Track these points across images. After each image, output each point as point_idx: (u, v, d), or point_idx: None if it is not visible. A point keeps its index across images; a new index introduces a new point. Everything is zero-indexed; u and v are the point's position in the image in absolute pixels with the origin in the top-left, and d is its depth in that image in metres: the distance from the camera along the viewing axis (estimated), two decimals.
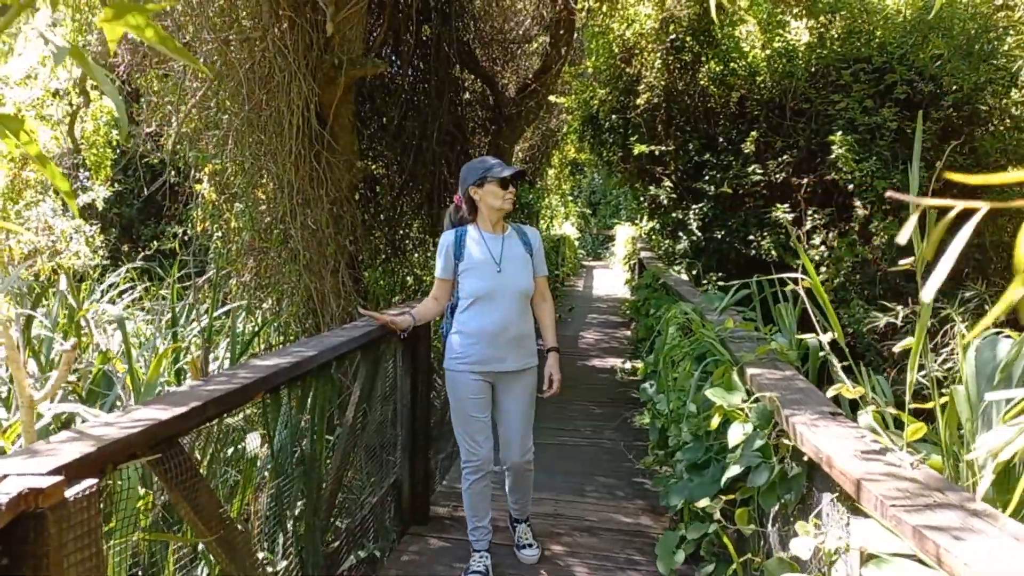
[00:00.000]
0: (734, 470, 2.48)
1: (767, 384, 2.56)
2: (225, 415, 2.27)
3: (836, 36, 9.24)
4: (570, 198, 22.77)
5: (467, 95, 9.47)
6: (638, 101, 9.57)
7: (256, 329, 8.11)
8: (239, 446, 2.55)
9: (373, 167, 8.76)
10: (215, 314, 7.67)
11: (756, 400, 2.76)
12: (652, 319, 6.24)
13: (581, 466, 5.62)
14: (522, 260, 3.62)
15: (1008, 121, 8.40)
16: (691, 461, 3.10)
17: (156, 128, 8.23)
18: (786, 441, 2.38)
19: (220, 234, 8.00)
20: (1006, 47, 8.43)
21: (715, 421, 2.68)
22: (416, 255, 9.24)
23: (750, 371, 2.75)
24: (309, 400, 2.98)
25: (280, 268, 7.21)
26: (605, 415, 7.04)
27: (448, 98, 8.00)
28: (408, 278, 9.57)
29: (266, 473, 2.85)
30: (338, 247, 6.93)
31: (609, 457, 5.86)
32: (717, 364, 3.09)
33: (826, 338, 2.48)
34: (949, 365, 5.88)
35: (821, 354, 2.79)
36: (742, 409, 2.59)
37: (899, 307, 6.24)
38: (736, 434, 2.48)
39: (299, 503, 2.87)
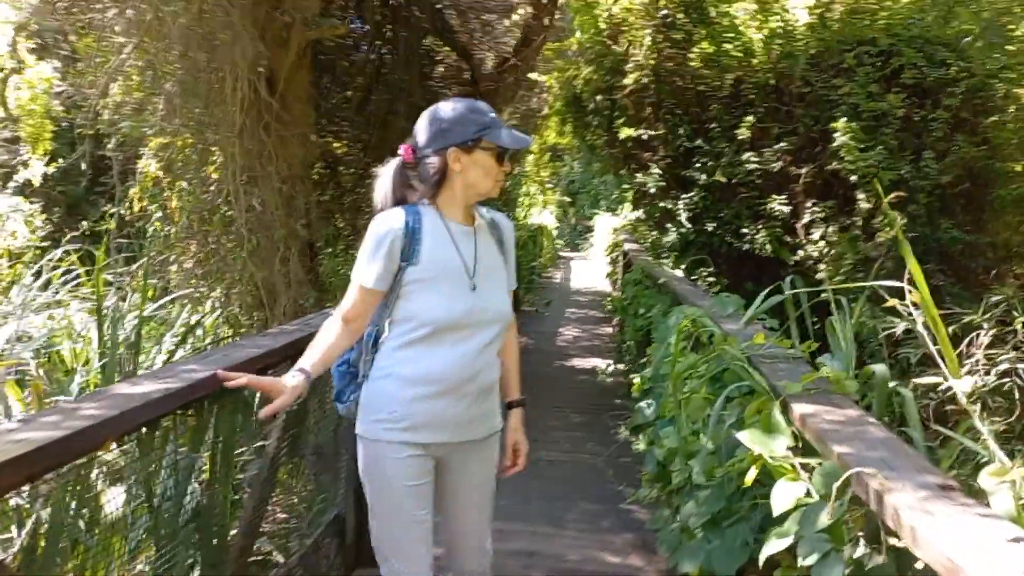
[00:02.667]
0: (778, 545, 1.79)
1: (828, 430, 1.86)
2: (39, 480, 1.53)
3: (838, 16, 8.59)
4: (549, 186, 22.05)
5: (441, 68, 8.71)
6: (625, 81, 8.85)
7: (190, 324, 7.24)
8: (84, 510, 1.83)
9: (335, 144, 7.98)
10: (147, 307, 6.88)
11: (804, 447, 2.06)
12: (642, 320, 5.55)
13: (560, 489, 4.92)
14: (497, 268, 2.43)
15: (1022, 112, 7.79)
16: (709, 514, 2.40)
17: (94, 95, 7.38)
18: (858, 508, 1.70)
19: (159, 215, 7.19)
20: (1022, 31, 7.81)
21: (750, 476, 1.98)
22: None
23: (798, 408, 2.05)
24: (210, 432, 2.25)
25: (224, 255, 6.42)
26: (586, 425, 6.36)
27: (419, 70, 7.23)
28: None
29: (144, 535, 2.12)
30: (289, 232, 6.16)
31: (592, 476, 5.19)
32: (745, 393, 2.38)
33: (963, 385, 1.78)
34: (975, 379, 5.25)
35: (892, 385, 2.09)
36: (790, 462, 1.89)
37: (892, 303, 5.62)
38: (784, 497, 1.79)
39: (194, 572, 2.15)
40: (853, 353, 2.20)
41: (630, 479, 4.85)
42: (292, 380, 2.21)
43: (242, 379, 2.13)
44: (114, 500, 1.86)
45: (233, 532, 2.54)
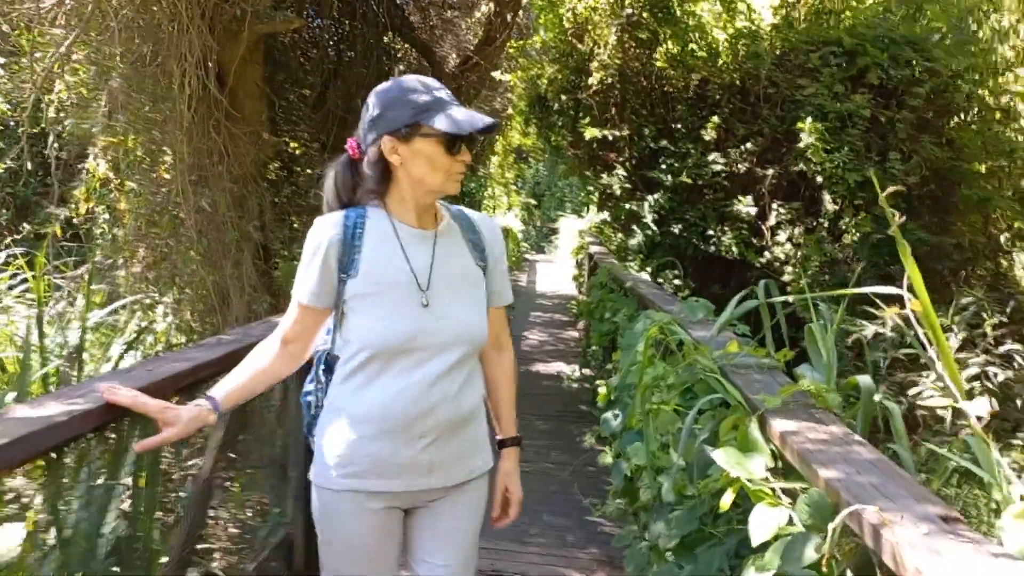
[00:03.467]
0: None
1: (812, 450, 1.69)
2: None
3: (802, 17, 8.55)
4: (514, 188, 21.86)
5: (401, 66, 8.48)
6: (590, 81, 8.71)
7: (139, 331, 6.94)
8: None
9: (292, 144, 7.72)
10: (94, 313, 6.57)
11: (785, 467, 1.91)
12: (608, 324, 5.39)
13: (524, 501, 4.70)
14: (469, 280, 1.99)
15: (986, 112, 7.78)
16: (679, 536, 2.23)
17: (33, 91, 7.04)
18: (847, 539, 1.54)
19: (107, 217, 6.87)
20: (986, 32, 7.81)
21: (726, 500, 1.80)
22: None
23: (777, 424, 1.89)
24: (133, 455, 2.03)
25: (174, 258, 6.15)
26: (551, 432, 6.18)
27: (378, 67, 7.01)
28: None
29: None
30: (241, 234, 5.90)
31: (556, 488, 5.01)
32: (718, 406, 2.22)
33: (977, 408, 1.60)
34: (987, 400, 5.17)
35: (877, 398, 1.93)
36: (770, 486, 1.73)
37: (888, 312, 5.53)
38: (764, 526, 1.62)
39: None
40: (835, 363, 2.04)
41: (596, 491, 4.69)
42: (190, 411, 1.82)
43: (126, 398, 1.79)
44: (8, 538, 1.63)
45: (164, 561, 2.32)
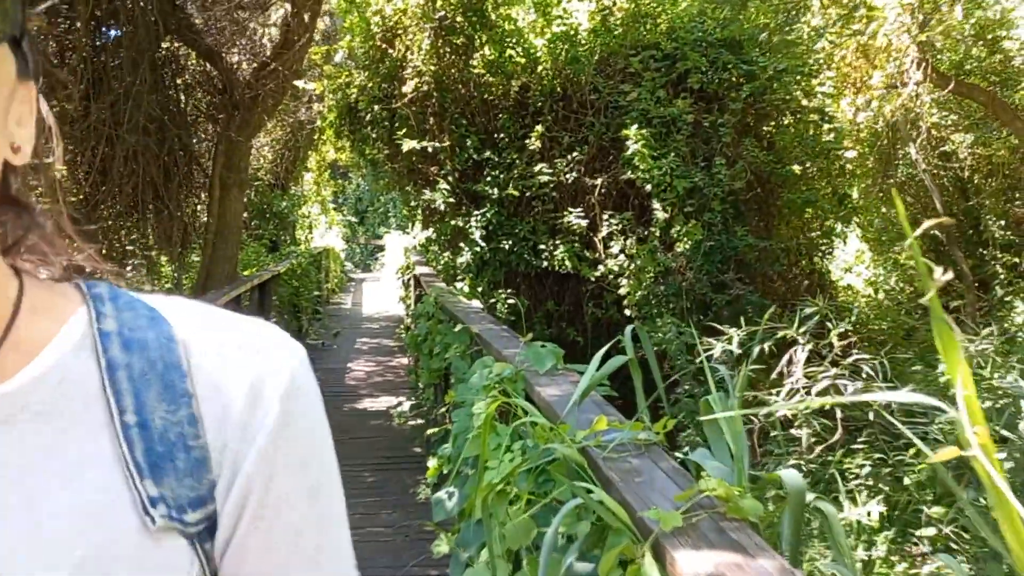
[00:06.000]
0: None
1: None
2: None
3: (620, 20, 8.30)
4: (332, 206, 20.75)
5: (187, 76, 7.44)
6: (404, 89, 8.05)
7: None
8: None
9: (57, 167, 6.52)
10: None
11: None
12: (438, 360, 4.72)
13: None
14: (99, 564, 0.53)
15: (803, 114, 7.82)
16: None
17: None
18: None
19: None
20: (803, 32, 7.85)
21: None
22: (119, 281, 7.05)
23: (684, 562, 1.28)
24: None
25: None
26: (381, 485, 5.43)
27: (152, 75, 5.98)
28: None
29: None
30: None
31: (389, 559, 4.27)
32: (588, 522, 1.59)
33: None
34: (798, 399, 4.89)
35: (811, 499, 1.38)
36: None
37: (734, 330, 5.23)
38: None
39: None
40: (745, 451, 1.48)
41: (432, 560, 3.99)
42: None
43: None
44: None
45: None
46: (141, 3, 5.67)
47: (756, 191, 7.46)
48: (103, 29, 5.94)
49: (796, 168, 7.61)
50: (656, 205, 7.35)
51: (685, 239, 7.22)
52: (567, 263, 7.64)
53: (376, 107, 8.31)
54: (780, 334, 5.08)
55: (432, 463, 2.80)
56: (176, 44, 6.88)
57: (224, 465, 0.57)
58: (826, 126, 7.91)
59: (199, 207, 7.94)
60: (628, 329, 1.99)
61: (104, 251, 7.29)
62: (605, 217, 7.60)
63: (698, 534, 1.37)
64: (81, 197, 6.53)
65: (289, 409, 0.59)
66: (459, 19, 8.18)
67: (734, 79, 7.61)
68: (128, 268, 7.65)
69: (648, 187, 7.28)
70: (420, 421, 6.76)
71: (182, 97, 7.13)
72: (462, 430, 2.70)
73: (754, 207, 7.60)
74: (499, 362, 2.67)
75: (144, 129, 6.01)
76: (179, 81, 7.06)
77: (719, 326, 5.85)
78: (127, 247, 7.41)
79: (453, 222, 7.91)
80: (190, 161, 7.33)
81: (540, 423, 1.80)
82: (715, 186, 7.18)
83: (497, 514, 2.01)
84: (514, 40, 8.37)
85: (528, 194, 7.80)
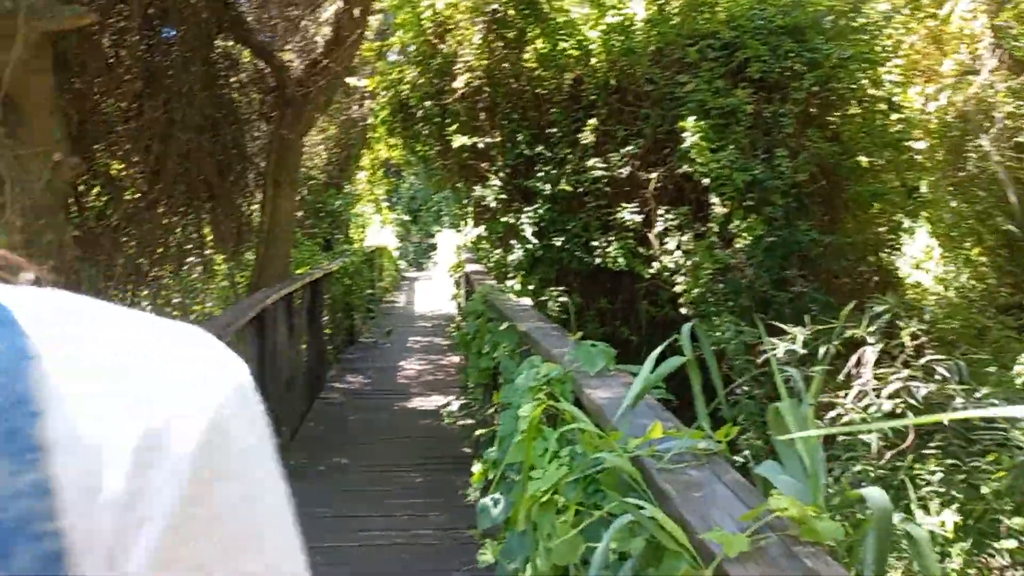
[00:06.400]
0: None
1: None
2: None
3: (677, 9, 8.06)
4: (386, 204, 20.82)
5: (243, 75, 7.46)
6: (455, 84, 7.95)
7: None
8: None
9: (116, 165, 6.60)
10: None
11: None
12: (487, 359, 4.59)
13: None
14: None
15: (871, 103, 7.47)
16: None
17: None
18: None
19: None
20: (871, 17, 7.51)
21: None
22: (176, 279, 7.13)
23: None
24: None
25: None
26: (429, 487, 5.33)
27: (204, 73, 5.99)
28: (171, 309, 7.43)
29: None
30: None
31: (434, 563, 4.17)
32: (643, 538, 1.44)
33: None
34: (867, 403, 4.63)
35: (899, 520, 1.20)
36: None
37: (798, 329, 4.99)
38: None
39: None
40: (822, 467, 1.31)
41: (479, 570, 3.87)
42: None
43: None
44: None
45: None
46: (194, 1, 5.67)
47: (820, 184, 7.16)
48: (157, 27, 5.96)
49: (863, 160, 7.29)
50: (714, 199, 7.10)
51: (745, 234, 6.96)
52: (621, 260, 7.44)
53: (427, 103, 8.23)
54: (848, 333, 4.84)
55: (477, 467, 2.67)
56: (229, 42, 6.89)
57: (94, 565, 0.36)
58: (894, 116, 7.56)
59: (253, 205, 7.97)
60: (685, 327, 1.83)
61: (161, 250, 7.37)
62: (660, 212, 7.38)
63: (767, 560, 1.21)
64: (138, 196, 6.60)
65: (203, 474, 0.38)
66: (511, 12, 8.06)
67: (796, 67, 7.31)
68: (184, 267, 7.72)
69: (706, 181, 7.05)
70: (469, 421, 6.66)
71: (235, 95, 7.15)
72: (508, 433, 2.57)
73: (818, 200, 7.29)
74: (547, 362, 2.53)
75: (198, 128, 6.02)
76: (232, 79, 7.08)
77: (781, 325, 5.61)
78: (183, 246, 7.47)
79: (504, 219, 7.78)
80: (243, 159, 7.35)
81: (588, 430, 1.65)
82: (777, 179, 6.91)
83: (543, 526, 1.87)
84: (567, 32, 8.19)
85: (581, 190, 7.63)
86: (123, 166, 6.73)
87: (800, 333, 4.79)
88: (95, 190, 6.64)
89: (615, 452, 1.56)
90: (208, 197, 6.83)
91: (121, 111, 5.85)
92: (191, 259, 7.44)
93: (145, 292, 6.99)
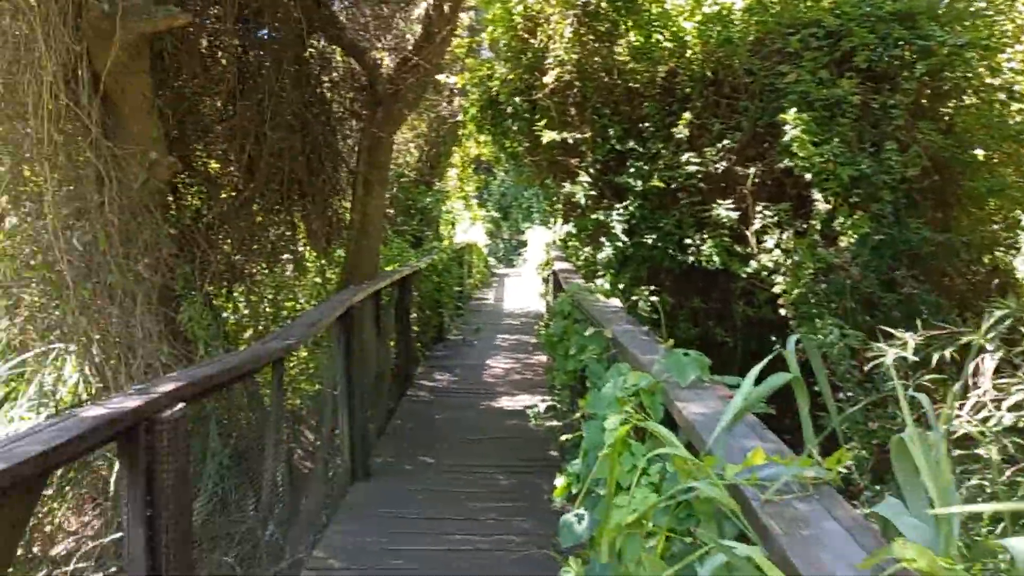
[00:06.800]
0: None
1: None
2: None
3: None
4: (476, 201, 20.86)
5: (335, 74, 7.53)
6: (545, 79, 7.82)
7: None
8: None
9: (213, 164, 6.76)
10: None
11: None
12: (574, 361, 4.44)
13: None
14: None
15: (988, 93, 6.96)
16: None
17: None
18: None
19: None
20: (988, 3, 6.99)
21: None
22: (269, 275, 7.25)
23: None
24: None
25: (50, 306, 5.17)
26: (516, 490, 5.23)
27: (296, 72, 6.04)
28: (265, 304, 7.57)
29: None
30: (135, 276, 4.91)
31: (518, 570, 4.05)
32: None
33: None
34: (985, 415, 4.27)
35: None
36: None
37: (909, 334, 4.65)
38: None
39: None
40: (955, 501, 1.11)
41: None
42: None
43: None
44: None
45: None
46: (287, 1, 5.72)
47: (932, 179, 6.72)
48: (251, 28, 6.04)
49: (979, 153, 6.80)
50: (817, 195, 6.75)
51: (850, 232, 6.58)
52: (715, 259, 7.16)
53: (517, 99, 8.12)
54: (964, 339, 4.48)
55: (560, 481, 2.53)
56: (321, 41, 6.95)
57: None
58: (1014, 106, 7.02)
59: (344, 203, 8.05)
60: (791, 339, 1.64)
61: (255, 247, 7.51)
62: (758, 209, 7.06)
63: None
64: (233, 194, 6.72)
65: None
66: (603, 5, 7.87)
67: (907, 56, 6.88)
68: (277, 263, 7.85)
69: (808, 176, 6.70)
70: (556, 423, 6.53)
71: (327, 94, 7.21)
72: (593, 446, 2.43)
73: (930, 196, 6.84)
74: (635, 370, 2.36)
75: (289, 127, 6.08)
76: (324, 79, 7.14)
77: (889, 329, 5.28)
78: (276, 243, 7.59)
79: (594, 216, 7.61)
80: (334, 158, 7.42)
81: (680, 455, 1.49)
82: (885, 173, 6.51)
83: (629, 552, 1.72)
84: (661, 24, 7.95)
85: (674, 186, 7.38)
86: (219, 165, 6.87)
87: (911, 338, 4.46)
88: (194, 189, 6.80)
89: (711, 480, 1.39)
90: (300, 195, 6.91)
91: (217, 111, 5.96)
92: (284, 256, 7.56)
93: (240, 289, 7.13)
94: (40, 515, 5.20)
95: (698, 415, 1.91)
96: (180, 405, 2.41)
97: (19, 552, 5.05)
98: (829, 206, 6.70)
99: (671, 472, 1.76)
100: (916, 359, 4.39)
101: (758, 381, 1.59)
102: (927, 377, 4.58)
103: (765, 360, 1.62)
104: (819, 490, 1.45)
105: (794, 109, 6.66)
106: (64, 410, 6.00)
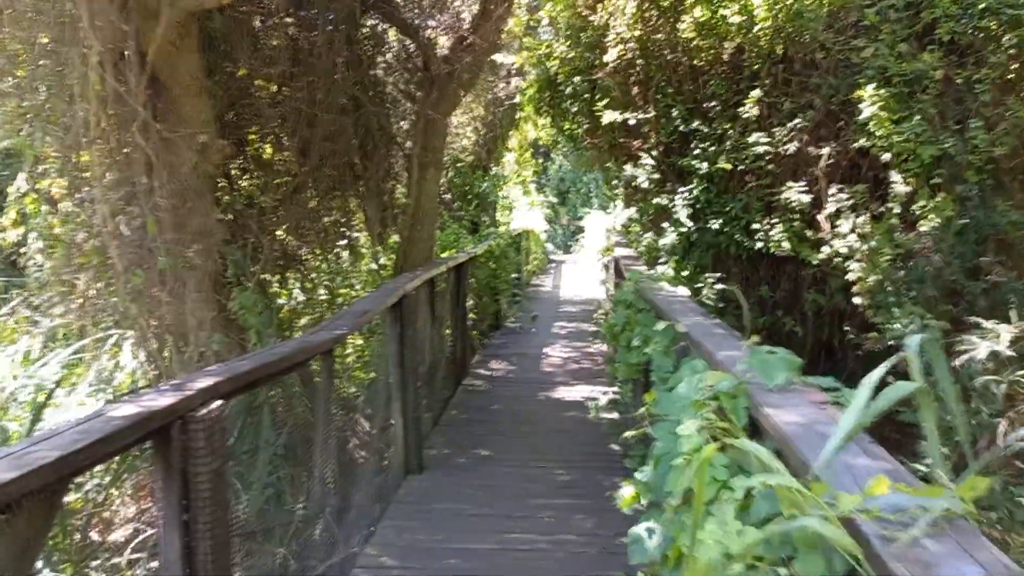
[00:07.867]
0: None
1: None
2: None
3: None
4: (534, 186, 20.61)
5: (389, 54, 7.36)
6: (606, 58, 7.54)
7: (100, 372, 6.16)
8: None
9: (268, 148, 6.66)
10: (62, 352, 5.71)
11: None
12: (638, 354, 4.20)
13: None
14: None
15: None
16: None
17: None
18: None
19: (40, 245, 5.86)
20: None
21: None
22: (324, 262, 7.14)
23: None
24: None
25: (104, 292, 5.12)
26: (574, 486, 5.01)
27: (350, 53, 5.88)
28: (320, 291, 7.48)
29: None
30: (186, 262, 4.82)
31: (576, 570, 3.84)
32: None
33: None
34: None
35: None
36: None
37: (1003, 326, 4.29)
38: None
39: None
40: None
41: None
42: None
43: None
44: None
45: None
46: None
47: (1022, 158, 6.24)
48: (303, 7, 5.90)
49: None
50: (895, 177, 6.34)
51: (932, 216, 6.17)
52: (785, 244, 6.82)
53: (576, 79, 7.86)
54: None
55: (627, 491, 2.30)
56: (375, 21, 6.78)
57: None
58: None
59: (399, 187, 7.89)
60: (914, 340, 1.38)
61: (310, 233, 7.42)
62: (832, 192, 6.68)
63: None
64: (288, 179, 6.61)
65: None
66: None
67: (994, 27, 6.40)
68: (332, 249, 7.74)
69: (886, 156, 6.30)
70: (616, 416, 6.29)
71: (380, 75, 7.04)
72: (665, 452, 2.19)
73: (1019, 178, 6.37)
74: (712, 370, 2.11)
75: (341, 108, 5.92)
76: (378, 59, 6.97)
77: (976, 319, 4.91)
78: (330, 228, 7.48)
79: (657, 200, 7.32)
80: (388, 141, 7.26)
81: (784, 483, 1.24)
82: (970, 153, 6.07)
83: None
84: None
85: (741, 168, 7.05)
86: (273, 150, 6.76)
87: (1006, 331, 4.10)
88: (246, 174, 6.70)
89: (823, 512, 1.15)
90: (354, 179, 6.77)
91: (270, 94, 5.84)
92: (338, 242, 7.44)
93: (295, 275, 7.04)
94: (99, 501, 5.17)
95: (792, 425, 1.66)
96: (218, 402, 2.25)
97: (77, 537, 5.04)
98: (909, 188, 6.30)
99: (764, 493, 1.51)
100: (1010, 352, 4.03)
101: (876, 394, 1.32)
102: (1018, 374, 4.23)
103: (883, 365, 1.35)
104: (954, 525, 1.19)
105: (871, 85, 6.26)
106: (120, 396, 5.99)
